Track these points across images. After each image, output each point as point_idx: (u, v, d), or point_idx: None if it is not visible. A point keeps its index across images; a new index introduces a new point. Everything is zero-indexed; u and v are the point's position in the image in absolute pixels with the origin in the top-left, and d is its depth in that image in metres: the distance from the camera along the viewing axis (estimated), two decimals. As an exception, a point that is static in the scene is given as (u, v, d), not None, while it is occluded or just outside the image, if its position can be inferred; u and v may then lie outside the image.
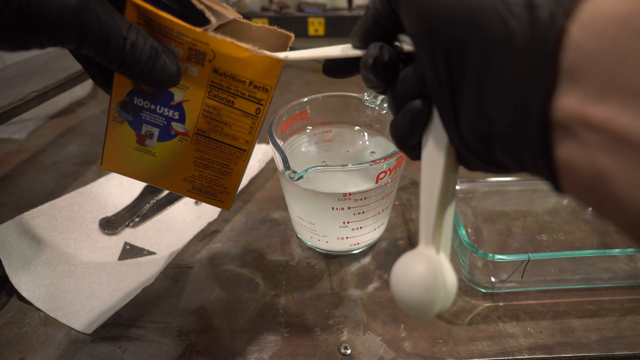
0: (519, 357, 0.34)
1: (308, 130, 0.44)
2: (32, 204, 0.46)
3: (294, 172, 0.32)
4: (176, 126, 0.28)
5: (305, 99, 0.42)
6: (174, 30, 0.23)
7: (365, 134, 0.45)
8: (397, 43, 0.22)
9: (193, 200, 0.50)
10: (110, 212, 0.48)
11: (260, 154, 0.57)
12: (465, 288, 0.40)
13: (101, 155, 0.29)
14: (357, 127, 0.45)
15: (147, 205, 0.49)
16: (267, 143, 0.57)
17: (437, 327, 0.36)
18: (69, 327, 0.36)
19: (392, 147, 0.42)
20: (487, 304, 0.38)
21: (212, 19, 0.24)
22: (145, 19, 0.23)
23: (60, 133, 0.65)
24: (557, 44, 0.14)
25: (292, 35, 0.27)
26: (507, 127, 0.16)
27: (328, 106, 0.44)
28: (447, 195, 0.21)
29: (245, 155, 0.30)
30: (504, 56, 0.16)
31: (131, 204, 0.49)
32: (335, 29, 0.87)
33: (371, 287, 0.40)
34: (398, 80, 0.21)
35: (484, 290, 0.39)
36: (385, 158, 0.34)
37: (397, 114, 0.22)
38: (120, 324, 0.37)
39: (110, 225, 0.46)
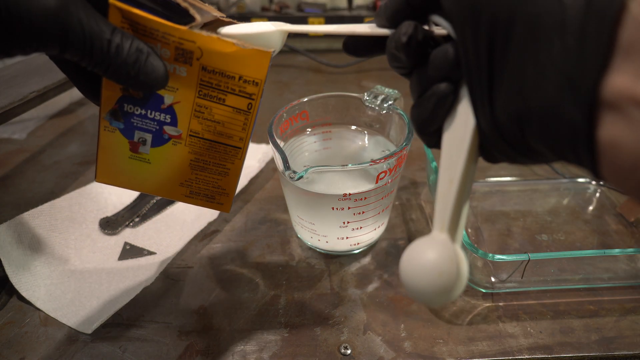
0: (519, 357, 0.34)
1: (308, 131, 0.44)
2: (32, 204, 0.46)
3: (294, 172, 0.32)
4: (169, 129, 0.27)
5: (305, 99, 0.42)
6: (159, 31, 0.23)
7: (365, 134, 0.45)
8: (425, 26, 0.21)
9: (193, 200, 0.50)
10: (110, 212, 0.48)
11: (260, 154, 0.57)
12: (465, 288, 0.40)
13: (95, 168, 0.29)
14: (357, 127, 0.45)
15: (147, 205, 0.49)
16: (267, 143, 0.57)
17: (437, 327, 0.36)
18: (69, 327, 0.36)
19: (392, 147, 0.42)
20: (487, 304, 0.38)
21: (197, 17, 0.24)
22: (129, 21, 0.23)
23: (60, 133, 0.65)
24: (616, 19, 0.14)
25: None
26: (547, 107, 0.16)
27: (328, 106, 0.44)
28: (466, 184, 0.21)
29: (240, 152, 0.29)
30: (554, 31, 0.15)
31: (131, 204, 0.49)
32: (335, 29, 0.87)
33: (371, 287, 0.40)
34: (428, 61, 0.21)
35: (484, 290, 0.39)
36: (385, 158, 0.34)
37: (419, 97, 0.21)
38: (120, 324, 0.37)
39: (110, 225, 0.46)
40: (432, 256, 0.19)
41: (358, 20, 0.86)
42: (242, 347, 0.35)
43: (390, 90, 0.41)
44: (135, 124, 0.27)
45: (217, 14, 0.26)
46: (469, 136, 0.20)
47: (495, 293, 0.39)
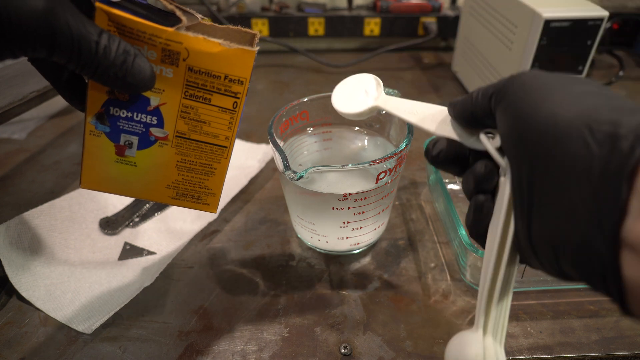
0: (519, 357, 0.34)
1: (308, 131, 0.44)
2: (32, 204, 0.46)
3: (294, 172, 0.32)
4: (155, 131, 0.27)
5: (305, 99, 0.42)
6: (146, 33, 0.23)
7: (365, 134, 0.45)
8: (485, 135, 0.24)
9: (193, 200, 0.50)
10: (110, 212, 0.48)
11: (261, 154, 0.57)
12: (465, 288, 0.40)
13: (79, 174, 0.29)
14: (357, 127, 0.45)
15: (147, 205, 0.49)
16: (267, 143, 0.57)
17: (437, 327, 0.36)
18: (69, 327, 0.36)
19: (392, 147, 0.42)
20: (487, 304, 0.38)
21: (183, 18, 0.24)
22: (115, 24, 0.23)
23: (60, 133, 0.65)
24: (634, 170, 0.15)
25: (258, 33, 0.27)
26: (578, 242, 0.17)
27: (328, 106, 0.43)
28: (497, 285, 0.22)
29: (226, 152, 0.29)
30: (582, 175, 0.17)
31: (131, 204, 0.49)
32: (335, 29, 0.87)
33: (371, 287, 0.40)
34: (476, 173, 0.24)
35: (484, 290, 0.39)
36: (385, 158, 0.34)
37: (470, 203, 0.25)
38: (120, 324, 0.37)
39: (110, 225, 0.46)
40: (465, 353, 0.22)
41: (358, 20, 0.86)
42: (242, 347, 0.35)
43: (390, 91, 0.41)
44: (121, 126, 0.27)
45: (199, 16, 0.27)
46: (506, 245, 0.22)
47: (495, 293, 0.39)
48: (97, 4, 0.22)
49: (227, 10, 0.86)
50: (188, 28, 0.25)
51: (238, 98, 0.27)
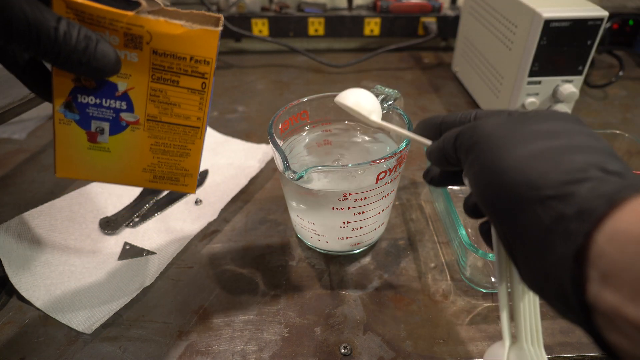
0: (519, 357, 0.34)
1: (308, 131, 0.44)
2: (32, 204, 0.46)
3: (294, 172, 0.32)
4: (126, 116, 0.28)
5: (305, 99, 0.42)
6: (106, 18, 0.24)
7: (365, 133, 0.45)
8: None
9: (193, 200, 0.50)
10: (110, 212, 0.48)
11: (261, 154, 0.57)
12: (465, 288, 0.40)
13: (53, 164, 0.29)
14: (357, 127, 0.45)
15: (147, 205, 0.49)
16: (267, 143, 0.57)
17: (437, 327, 0.36)
18: (69, 327, 0.36)
19: (392, 147, 0.42)
20: (487, 304, 0.38)
21: (143, 2, 0.25)
22: (74, 11, 0.23)
23: (60, 133, 0.65)
24: (584, 249, 0.16)
25: (221, 16, 0.27)
26: (554, 299, 0.18)
27: (328, 106, 0.44)
28: (517, 294, 0.24)
29: (199, 132, 0.30)
30: (540, 245, 0.18)
31: (131, 204, 0.49)
32: (335, 29, 0.87)
33: (371, 287, 0.40)
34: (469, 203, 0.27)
35: (484, 290, 0.39)
36: (385, 158, 0.34)
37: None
38: (120, 324, 0.37)
39: (110, 225, 0.46)
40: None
41: (358, 20, 0.86)
42: (242, 347, 0.35)
43: (390, 90, 0.41)
44: (90, 113, 0.27)
45: (162, 2, 0.27)
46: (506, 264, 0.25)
47: (495, 293, 0.39)
48: None
49: (227, 10, 0.86)
50: (150, 12, 0.25)
51: (206, 78, 0.28)
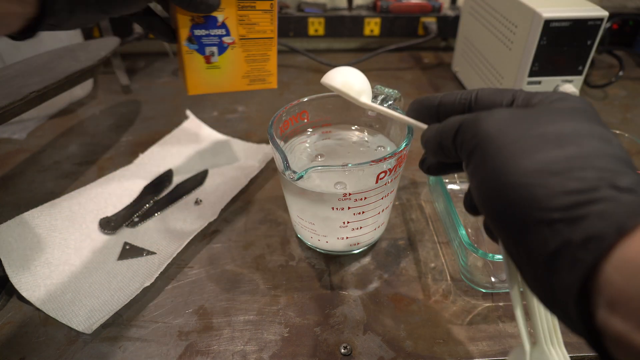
0: (519, 357, 0.34)
1: (308, 131, 0.44)
2: (32, 204, 0.46)
3: (294, 172, 0.32)
4: (226, 39, 0.41)
5: (305, 99, 0.42)
6: None
7: (365, 133, 0.45)
8: None
9: (193, 200, 0.50)
10: (110, 212, 0.48)
11: (261, 154, 0.57)
12: (465, 288, 0.40)
13: (185, 86, 0.43)
14: (357, 127, 0.45)
15: (147, 205, 0.49)
16: (267, 143, 0.57)
17: (437, 327, 0.36)
18: (69, 327, 0.36)
19: (392, 147, 0.42)
20: (487, 304, 0.38)
21: None
22: None
23: (60, 133, 0.65)
24: (592, 277, 0.15)
25: None
26: (562, 318, 0.18)
27: (328, 106, 0.44)
28: (521, 298, 0.24)
29: (273, 41, 0.44)
30: (546, 268, 0.17)
31: (131, 204, 0.49)
32: (335, 29, 0.87)
33: (371, 287, 0.40)
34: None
35: (484, 290, 0.39)
36: (385, 158, 0.34)
37: None
38: (120, 324, 0.37)
39: (110, 225, 0.46)
40: None
41: (358, 20, 0.86)
42: (242, 347, 0.35)
43: (390, 90, 0.41)
44: (204, 42, 0.40)
45: None
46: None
47: (495, 293, 0.39)
48: None
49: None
50: None
51: (271, 0, 0.41)
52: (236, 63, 0.43)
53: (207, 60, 0.41)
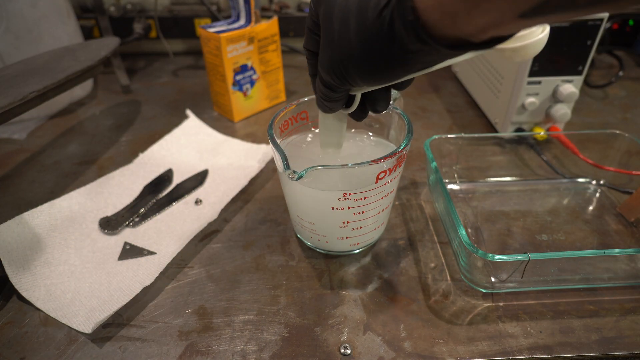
0: (519, 357, 0.34)
1: (308, 131, 0.44)
2: (32, 204, 0.46)
3: (294, 172, 0.32)
4: (254, 77, 0.65)
5: (305, 99, 0.42)
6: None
7: (365, 133, 0.45)
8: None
9: (193, 200, 0.50)
10: (110, 212, 0.48)
11: (260, 154, 0.57)
12: (465, 288, 0.40)
13: (230, 115, 0.66)
14: (357, 127, 0.45)
15: (147, 205, 0.49)
16: (267, 143, 0.57)
17: (437, 327, 0.36)
18: (69, 327, 0.36)
19: (392, 147, 0.42)
20: (487, 304, 0.38)
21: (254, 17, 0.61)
22: None
23: (60, 133, 0.65)
24: None
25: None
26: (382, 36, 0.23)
27: (328, 106, 0.44)
28: None
29: (280, 69, 0.68)
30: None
31: (131, 204, 0.49)
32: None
33: (371, 287, 0.40)
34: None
35: (484, 290, 0.39)
36: (385, 158, 0.34)
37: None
38: (120, 324, 0.37)
39: (110, 225, 0.46)
40: None
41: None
42: (242, 347, 0.35)
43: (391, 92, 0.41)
44: (242, 83, 0.64)
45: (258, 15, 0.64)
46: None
47: (495, 293, 0.39)
48: None
49: (227, 10, 0.86)
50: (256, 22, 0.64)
51: (275, 42, 0.65)
52: (261, 91, 0.66)
53: (245, 94, 0.64)
